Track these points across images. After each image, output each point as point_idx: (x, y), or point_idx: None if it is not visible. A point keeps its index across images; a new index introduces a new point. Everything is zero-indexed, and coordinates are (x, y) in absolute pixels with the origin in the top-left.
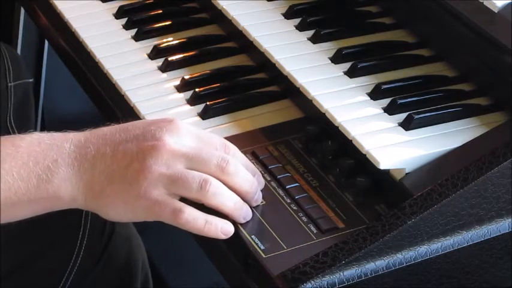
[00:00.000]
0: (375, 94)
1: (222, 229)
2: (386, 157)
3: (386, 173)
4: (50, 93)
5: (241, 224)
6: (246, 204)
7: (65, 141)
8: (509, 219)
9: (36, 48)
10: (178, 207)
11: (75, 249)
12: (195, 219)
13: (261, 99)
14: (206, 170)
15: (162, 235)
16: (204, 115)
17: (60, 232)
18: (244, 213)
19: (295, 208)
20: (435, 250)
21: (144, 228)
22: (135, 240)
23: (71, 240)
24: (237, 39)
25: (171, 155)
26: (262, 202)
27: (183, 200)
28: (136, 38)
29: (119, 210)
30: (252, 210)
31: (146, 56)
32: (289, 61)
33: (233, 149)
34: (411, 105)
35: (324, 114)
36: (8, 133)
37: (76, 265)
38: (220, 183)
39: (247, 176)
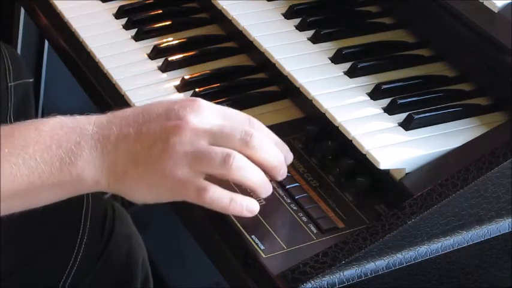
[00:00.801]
0: (375, 94)
1: (248, 207)
2: (387, 157)
3: (386, 173)
4: (50, 93)
5: (241, 224)
6: (268, 181)
7: (88, 124)
8: (509, 219)
9: (36, 48)
10: (202, 186)
11: (75, 248)
12: (219, 198)
13: (261, 99)
14: (230, 145)
15: (162, 235)
16: None
17: (60, 231)
18: (267, 188)
19: (295, 208)
20: (435, 250)
21: (144, 227)
22: (135, 239)
23: (70, 239)
24: (237, 39)
25: (195, 133)
26: (261, 202)
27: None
28: (136, 38)
29: (143, 191)
30: None
31: (146, 56)
32: (289, 61)
33: (258, 123)
34: (411, 105)
35: (324, 114)
36: None
37: (76, 264)
38: (244, 157)
39: (272, 149)
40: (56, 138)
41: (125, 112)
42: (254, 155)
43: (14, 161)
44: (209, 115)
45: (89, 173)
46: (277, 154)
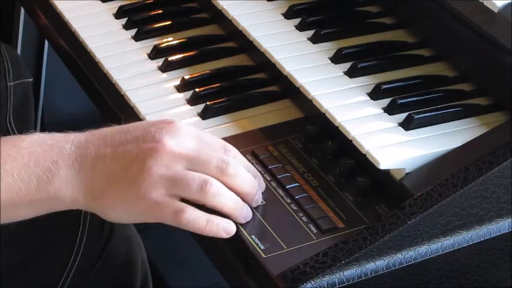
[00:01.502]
0: (375, 94)
1: (224, 228)
2: (387, 157)
3: (386, 173)
4: (50, 93)
5: (241, 224)
6: (246, 205)
7: (66, 142)
8: (509, 219)
9: (36, 48)
10: (179, 208)
11: (74, 249)
12: (196, 219)
13: (261, 99)
14: (206, 171)
15: (162, 235)
16: (204, 115)
17: (59, 232)
18: (244, 213)
19: (295, 208)
20: (435, 250)
21: (144, 228)
22: (134, 239)
23: (69, 239)
24: (237, 39)
25: (171, 156)
26: (262, 202)
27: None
28: (136, 38)
29: (119, 212)
30: (252, 211)
31: (146, 56)
32: (289, 61)
33: (233, 151)
34: (411, 105)
35: (324, 114)
36: (8, 133)
37: (75, 264)
38: (221, 184)
39: (247, 177)
40: (33, 156)
41: (103, 131)
42: (230, 182)
43: None
44: (186, 138)
45: (66, 192)
46: (252, 181)
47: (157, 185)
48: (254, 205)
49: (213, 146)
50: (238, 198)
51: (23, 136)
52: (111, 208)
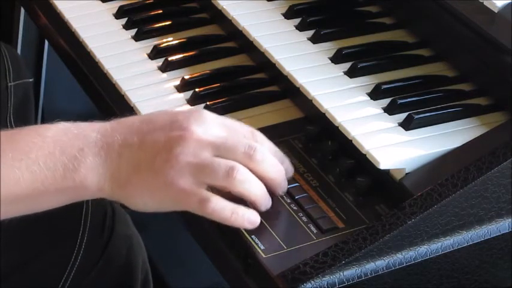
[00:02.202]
0: (375, 94)
1: (249, 219)
2: (387, 157)
3: (386, 173)
4: (50, 93)
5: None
6: (268, 194)
7: (92, 131)
8: (509, 219)
9: (36, 48)
10: (205, 197)
11: (75, 249)
12: (221, 209)
13: (261, 99)
14: (233, 157)
15: (162, 235)
16: None
17: (60, 231)
18: (266, 202)
19: (295, 208)
20: (435, 250)
21: (144, 227)
22: (135, 239)
23: (70, 239)
24: (237, 39)
25: (198, 144)
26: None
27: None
28: (136, 38)
29: (145, 200)
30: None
31: (146, 56)
32: (289, 61)
33: (261, 136)
34: (411, 105)
35: (324, 114)
36: None
37: (76, 264)
38: (247, 170)
39: (274, 163)
40: (59, 144)
41: (129, 120)
42: (257, 168)
43: (17, 166)
44: (213, 126)
45: (92, 180)
46: (279, 168)
47: (184, 173)
48: (280, 192)
49: (240, 132)
50: (264, 187)
51: (47, 125)
52: (138, 196)
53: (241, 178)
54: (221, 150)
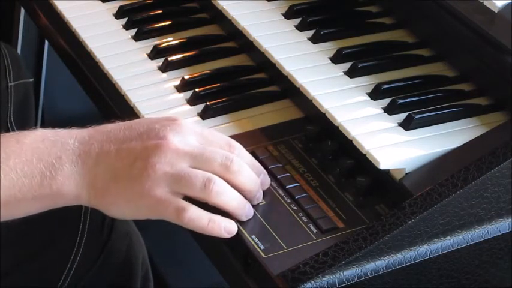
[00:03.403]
0: (375, 94)
1: (226, 228)
2: (387, 157)
3: (387, 173)
4: (50, 93)
5: (241, 224)
6: (248, 203)
7: (69, 138)
8: (509, 219)
9: (36, 48)
10: (181, 206)
11: (75, 246)
12: (198, 218)
13: (261, 99)
14: (210, 168)
15: (162, 235)
16: (204, 115)
17: (59, 229)
18: (246, 211)
19: (295, 208)
20: (435, 250)
21: (144, 227)
22: (135, 236)
23: (70, 237)
24: (237, 39)
25: (175, 153)
26: (261, 202)
27: (187, 199)
28: (136, 38)
29: (122, 208)
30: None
31: (146, 56)
32: (289, 61)
33: (238, 147)
34: (411, 105)
35: (324, 114)
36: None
37: (76, 262)
38: (224, 182)
39: (250, 174)
40: (36, 152)
41: (107, 127)
42: (233, 179)
43: None
44: (190, 136)
45: (69, 188)
46: (255, 179)
47: (161, 182)
48: (255, 202)
49: (217, 143)
50: (241, 197)
51: (25, 132)
52: (115, 204)
53: (218, 190)
54: (198, 160)
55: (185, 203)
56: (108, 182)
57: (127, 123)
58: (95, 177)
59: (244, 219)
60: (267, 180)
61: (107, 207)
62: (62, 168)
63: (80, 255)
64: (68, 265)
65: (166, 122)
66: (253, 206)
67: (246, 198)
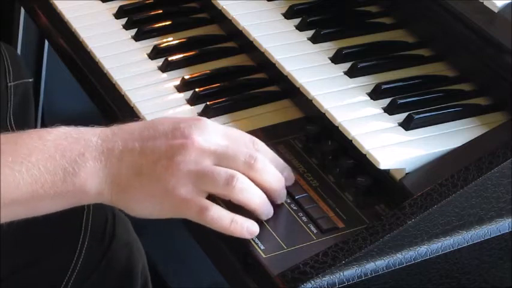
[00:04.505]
0: (375, 94)
1: (248, 228)
2: (386, 157)
3: (387, 173)
4: (50, 93)
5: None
6: (269, 202)
7: (92, 136)
8: (509, 219)
9: (36, 48)
10: (204, 205)
11: (76, 253)
12: (220, 218)
13: (261, 99)
14: (234, 166)
15: (162, 236)
16: (204, 115)
17: (60, 236)
18: (267, 210)
19: (295, 208)
20: (435, 250)
21: (144, 228)
22: (135, 245)
23: (71, 244)
24: (237, 39)
25: (200, 152)
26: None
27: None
28: (136, 38)
29: (145, 206)
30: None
31: (146, 56)
32: (289, 61)
33: (261, 145)
34: (411, 105)
35: (324, 114)
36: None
37: (76, 270)
38: (247, 179)
39: (274, 172)
40: (60, 148)
41: (130, 126)
42: (257, 177)
43: (18, 169)
44: (214, 135)
45: (91, 184)
46: (279, 177)
47: (185, 181)
48: (279, 201)
49: (241, 142)
50: (264, 195)
51: (48, 129)
52: (137, 201)
53: (241, 186)
54: (222, 158)
55: (208, 202)
56: (131, 179)
57: (151, 122)
58: (118, 173)
59: (265, 218)
60: (291, 177)
61: (129, 204)
62: (85, 165)
63: (80, 263)
64: (69, 273)
65: (191, 121)
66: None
67: (270, 196)
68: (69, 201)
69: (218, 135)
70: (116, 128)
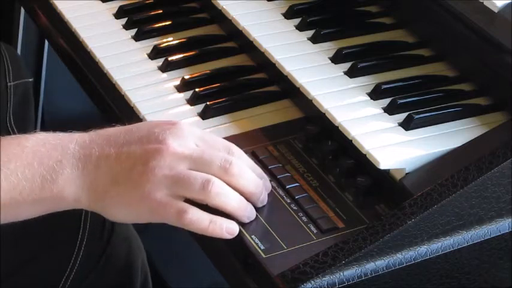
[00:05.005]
0: (375, 94)
1: (227, 229)
2: (386, 157)
3: (387, 173)
4: (50, 93)
5: (241, 224)
6: (250, 204)
7: (70, 142)
8: (509, 219)
9: (36, 48)
10: (182, 208)
11: (75, 250)
12: (199, 220)
13: (261, 99)
14: (209, 170)
15: (162, 235)
16: (204, 115)
17: (59, 233)
18: (248, 213)
19: (295, 208)
20: (435, 250)
21: (144, 228)
22: (134, 241)
23: (70, 241)
24: (237, 39)
25: (175, 157)
26: None
27: (190, 203)
28: (136, 38)
29: (122, 211)
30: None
31: (146, 56)
32: (289, 61)
33: (238, 151)
34: (411, 105)
35: (324, 114)
36: (8, 133)
37: (75, 266)
38: (223, 183)
39: (251, 176)
40: (38, 155)
41: (107, 131)
42: (233, 181)
43: None
44: (189, 139)
45: (69, 191)
46: (256, 181)
47: (160, 186)
48: (260, 205)
49: (216, 147)
50: (242, 198)
51: (27, 135)
52: (115, 208)
53: (216, 191)
54: (197, 163)
55: (186, 205)
56: (108, 186)
57: (128, 127)
58: (95, 180)
59: (246, 220)
60: (268, 185)
61: (107, 210)
62: (62, 172)
63: (79, 259)
64: (68, 269)
65: (166, 126)
66: (254, 206)
67: (249, 201)
68: (48, 207)
69: (193, 139)
70: (93, 134)
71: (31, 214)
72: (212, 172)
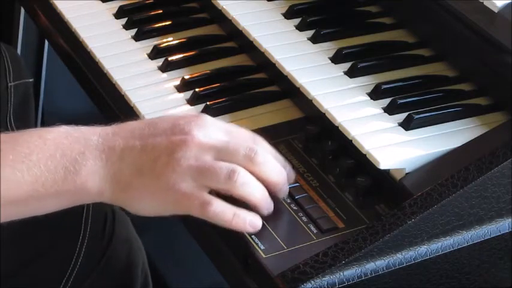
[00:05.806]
0: (375, 94)
1: (250, 222)
2: (386, 157)
3: (387, 173)
4: (50, 93)
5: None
6: (269, 198)
7: (93, 135)
8: (509, 219)
9: (36, 48)
10: (206, 200)
11: (75, 252)
12: (223, 212)
13: (261, 99)
14: (234, 160)
15: (162, 235)
16: None
17: (60, 234)
18: (268, 205)
19: (295, 208)
20: (435, 250)
21: (144, 228)
22: (135, 242)
23: (71, 242)
24: (237, 39)
25: (200, 147)
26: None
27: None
28: (136, 38)
29: (146, 203)
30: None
31: (146, 56)
32: (289, 61)
33: (262, 141)
34: (411, 105)
35: (324, 114)
36: None
37: (76, 267)
38: (248, 173)
39: (275, 165)
40: (60, 147)
41: (131, 125)
42: (258, 171)
43: (19, 168)
44: (214, 130)
45: (93, 183)
46: (280, 171)
47: (185, 177)
48: (282, 195)
49: (241, 136)
50: (265, 190)
51: (48, 128)
52: (139, 199)
53: (242, 181)
54: (222, 153)
55: (210, 197)
56: (132, 178)
57: (151, 120)
58: (119, 172)
59: (265, 213)
60: (292, 174)
61: (131, 203)
62: (85, 163)
63: (80, 260)
64: (69, 270)
65: (191, 118)
66: (281, 198)
67: (272, 190)
68: (70, 200)
69: (218, 130)
70: (116, 127)
71: (54, 207)
72: (237, 161)
